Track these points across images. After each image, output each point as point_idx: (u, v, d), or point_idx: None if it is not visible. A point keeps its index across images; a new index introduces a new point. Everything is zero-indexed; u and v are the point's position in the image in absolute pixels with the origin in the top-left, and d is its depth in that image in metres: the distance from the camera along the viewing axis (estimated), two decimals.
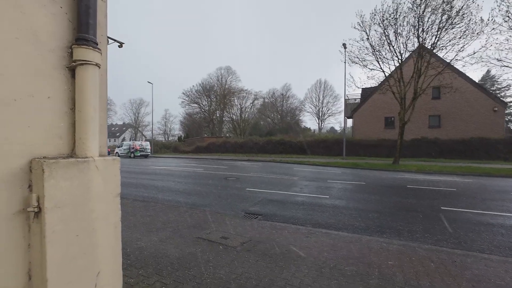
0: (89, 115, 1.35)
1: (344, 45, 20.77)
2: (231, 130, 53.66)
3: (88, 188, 1.32)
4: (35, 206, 1.14)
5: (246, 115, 53.33)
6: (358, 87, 20.08)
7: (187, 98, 53.52)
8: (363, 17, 17.35)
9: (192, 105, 54.34)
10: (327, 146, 27.44)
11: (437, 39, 15.74)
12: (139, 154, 28.98)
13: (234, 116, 53.22)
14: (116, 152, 30.80)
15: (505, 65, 14.85)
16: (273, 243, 3.74)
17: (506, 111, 26.84)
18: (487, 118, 22.53)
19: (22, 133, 1.17)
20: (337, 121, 56.18)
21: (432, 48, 16.14)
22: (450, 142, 22.12)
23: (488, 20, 14.30)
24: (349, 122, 33.04)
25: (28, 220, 1.17)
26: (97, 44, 1.39)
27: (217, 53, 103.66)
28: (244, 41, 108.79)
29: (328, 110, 56.47)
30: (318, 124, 57.63)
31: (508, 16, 13.80)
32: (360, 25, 17.30)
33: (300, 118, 57.82)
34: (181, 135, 54.06)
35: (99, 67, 1.41)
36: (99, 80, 1.41)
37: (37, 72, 1.22)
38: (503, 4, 13.78)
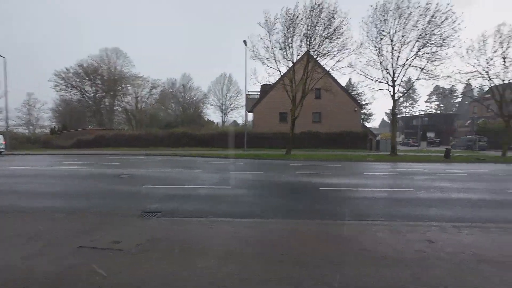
0: None
1: (245, 42, 21.77)
2: (125, 122, 47.54)
3: None
4: None
5: (143, 105, 48.40)
6: (259, 82, 21.60)
7: (62, 82, 43.43)
8: (268, 16, 18.72)
9: (71, 90, 44.64)
10: (230, 139, 28.41)
11: (320, 48, 18.92)
12: None
13: (128, 106, 47.27)
14: None
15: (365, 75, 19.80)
16: (173, 238, 3.57)
17: (362, 111, 35.36)
18: (350, 116, 28.90)
19: None
20: (240, 115, 58.85)
21: (316, 55, 19.25)
22: (328, 134, 27.30)
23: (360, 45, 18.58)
24: (250, 116, 35.30)
25: None
26: None
27: (103, 31, 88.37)
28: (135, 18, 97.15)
29: (231, 104, 58.36)
30: (222, 117, 58.79)
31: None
32: (266, 22, 18.63)
33: (204, 111, 57.33)
34: (55, 127, 43.49)
35: None
36: None
37: None
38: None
